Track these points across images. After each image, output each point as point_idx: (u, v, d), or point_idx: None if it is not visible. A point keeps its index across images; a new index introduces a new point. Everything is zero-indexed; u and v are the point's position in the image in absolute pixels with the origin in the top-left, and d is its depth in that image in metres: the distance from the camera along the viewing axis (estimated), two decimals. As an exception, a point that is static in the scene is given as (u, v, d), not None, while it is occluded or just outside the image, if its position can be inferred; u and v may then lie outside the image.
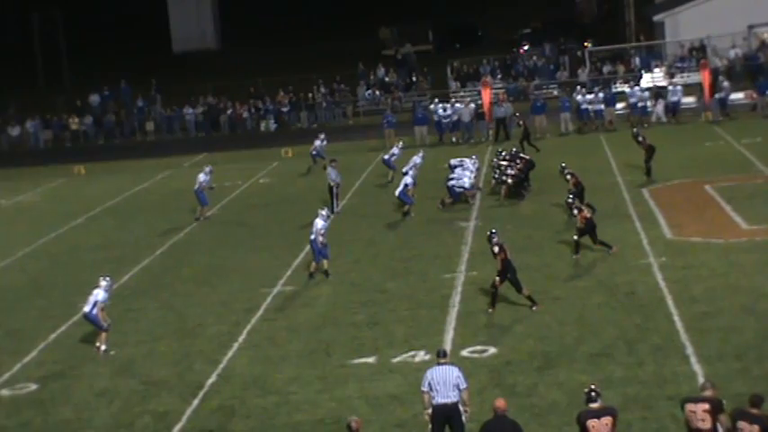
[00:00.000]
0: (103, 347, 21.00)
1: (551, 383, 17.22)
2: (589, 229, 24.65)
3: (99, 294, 21.15)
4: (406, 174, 31.84)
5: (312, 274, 24.80)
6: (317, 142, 40.59)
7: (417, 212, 30.66)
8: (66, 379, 19.85)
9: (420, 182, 32.50)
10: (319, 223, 24.78)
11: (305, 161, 40.84)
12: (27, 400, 18.96)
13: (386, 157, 36.87)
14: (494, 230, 22.08)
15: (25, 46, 75.98)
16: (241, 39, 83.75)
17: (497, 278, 21.20)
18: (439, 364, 14.86)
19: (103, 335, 21.10)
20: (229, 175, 40.55)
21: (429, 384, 14.58)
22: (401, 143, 39.21)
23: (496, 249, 21.22)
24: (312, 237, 24.78)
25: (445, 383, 14.50)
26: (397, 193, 30.79)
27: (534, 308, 21.06)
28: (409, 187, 30.80)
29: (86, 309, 21.06)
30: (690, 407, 12.92)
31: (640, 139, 33.07)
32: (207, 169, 33.30)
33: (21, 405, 18.76)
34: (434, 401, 14.51)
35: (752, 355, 17.64)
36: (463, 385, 14.60)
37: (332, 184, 32.02)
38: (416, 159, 33.68)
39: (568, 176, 28.37)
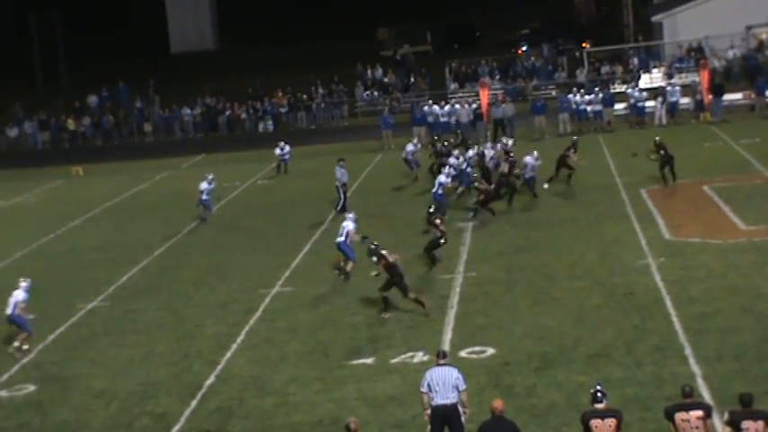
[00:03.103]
0: (17, 344, 21.25)
1: (550, 384, 17.22)
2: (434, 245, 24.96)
3: (19, 295, 21.39)
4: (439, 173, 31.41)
5: (343, 273, 24.44)
6: (278, 151, 40.77)
7: (416, 213, 30.55)
8: (64, 380, 19.82)
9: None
10: (350, 225, 24.46)
11: (303, 162, 40.84)
12: (25, 402, 18.94)
13: (404, 155, 36.80)
14: (371, 241, 22.77)
15: (23, 47, 75.93)
16: (239, 39, 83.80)
17: (383, 285, 21.67)
18: (438, 364, 14.82)
19: (24, 334, 21.34)
20: (227, 176, 40.52)
21: (428, 385, 14.53)
22: (416, 139, 39.22)
23: (375, 259, 21.75)
24: (342, 239, 24.31)
25: (444, 384, 14.46)
26: (433, 191, 30.22)
27: (425, 312, 21.19)
28: (445, 185, 30.08)
29: (8, 311, 21.33)
30: (682, 416, 12.79)
31: (662, 152, 31.83)
32: (209, 177, 32.80)
33: (19, 406, 18.74)
34: (433, 402, 14.48)
35: (750, 356, 17.64)
36: (462, 386, 14.57)
37: (337, 183, 31.92)
38: (452, 160, 32.45)
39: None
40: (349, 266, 24.58)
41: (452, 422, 14.44)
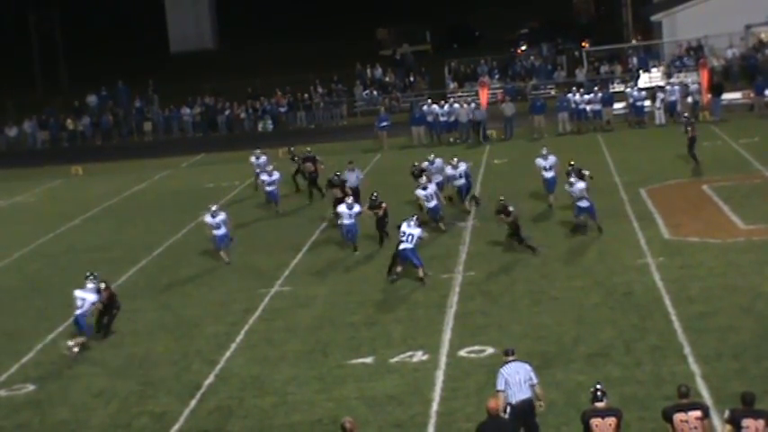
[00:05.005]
0: (71, 343, 21.16)
1: (549, 383, 17.17)
2: None
3: (91, 296, 21.35)
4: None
5: (395, 276, 23.99)
6: (253, 159, 36.71)
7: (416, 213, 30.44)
8: (63, 380, 19.84)
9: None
10: (417, 230, 23.85)
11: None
12: (24, 401, 18.95)
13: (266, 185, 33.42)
14: (92, 273, 22.49)
15: (22, 46, 75.92)
16: (239, 39, 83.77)
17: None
18: (508, 361, 14.59)
19: (83, 338, 21.27)
20: (227, 176, 40.53)
21: (506, 382, 14.31)
22: (271, 167, 34.17)
23: (102, 286, 21.94)
24: (409, 246, 23.61)
25: (521, 380, 14.34)
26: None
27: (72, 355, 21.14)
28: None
29: (79, 311, 21.24)
30: (680, 416, 12.78)
31: (688, 128, 34.23)
32: (212, 209, 27.68)
33: (18, 406, 18.75)
34: (513, 400, 14.21)
35: (749, 355, 17.65)
36: (536, 380, 14.50)
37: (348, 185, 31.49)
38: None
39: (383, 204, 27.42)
40: (421, 273, 23.71)
41: (529, 417, 14.33)
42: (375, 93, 58.18)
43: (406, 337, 20.31)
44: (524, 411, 14.28)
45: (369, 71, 60.50)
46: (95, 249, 30.82)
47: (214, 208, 27.61)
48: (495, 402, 13.44)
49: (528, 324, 20.39)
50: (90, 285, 21.59)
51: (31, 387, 19.62)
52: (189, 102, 58.36)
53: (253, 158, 36.75)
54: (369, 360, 19.23)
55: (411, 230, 23.85)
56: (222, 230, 27.15)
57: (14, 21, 79.52)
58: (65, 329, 22.85)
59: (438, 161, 31.49)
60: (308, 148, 36.69)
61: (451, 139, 45.77)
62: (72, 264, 29.31)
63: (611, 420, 12.92)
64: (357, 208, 27.29)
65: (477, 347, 19.27)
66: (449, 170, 30.74)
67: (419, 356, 19.12)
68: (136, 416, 17.73)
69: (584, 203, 26.57)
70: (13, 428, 17.82)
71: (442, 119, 46.19)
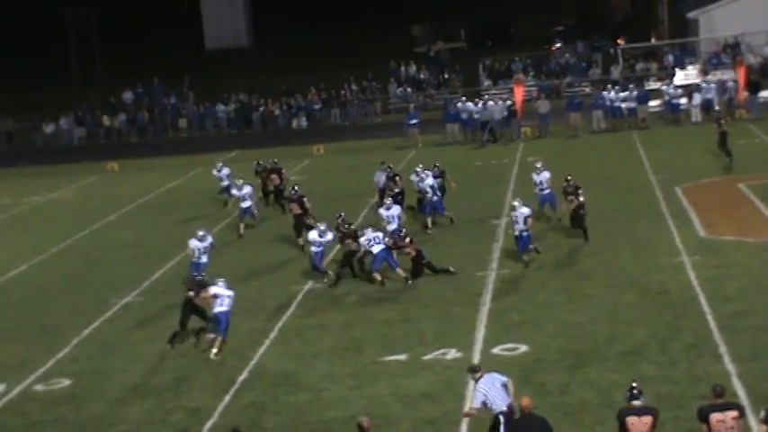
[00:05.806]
0: (215, 350, 20.35)
1: (583, 382, 17.18)
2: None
3: (225, 291, 20.63)
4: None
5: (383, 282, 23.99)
6: (215, 172, 35.67)
7: (448, 210, 30.28)
8: (99, 374, 20.00)
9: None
10: (380, 234, 23.96)
11: (336, 158, 40.87)
12: (61, 396, 19.12)
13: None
14: None
15: (59, 44, 76.49)
16: (273, 36, 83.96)
17: None
18: (478, 378, 14.47)
19: (219, 338, 20.45)
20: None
21: (485, 395, 14.21)
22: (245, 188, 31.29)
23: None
24: (380, 246, 23.73)
25: (498, 387, 14.30)
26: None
27: None
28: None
29: (219, 309, 20.46)
30: (717, 416, 12.73)
31: (721, 121, 34.98)
32: (199, 234, 25.18)
33: (55, 400, 18.93)
34: (502, 408, 14.16)
35: (785, 355, 17.54)
36: (505, 378, 14.49)
37: (379, 186, 31.38)
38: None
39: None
40: (378, 276, 23.99)
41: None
42: (409, 90, 58.18)
43: (439, 334, 20.32)
44: (511, 415, 14.16)
45: (403, 68, 60.50)
46: (130, 245, 31.02)
47: (202, 233, 25.14)
48: (528, 400, 13.44)
49: (562, 322, 20.34)
50: (221, 284, 20.84)
51: (67, 382, 19.78)
52: (223, 98, 58.58)
53: (214, 171, 35.80)
54: (402, 357, 19.25)
55: (375, 234, 23.97)
56: (204, 259, 24.88)
57: (51, 17, 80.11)
58: (100, 325, 23.04)
59: (425, 175, 29.43)
60: (275, 159, 35.87)
61: (486, 137, 45.67)
62: (107, 259, 29.55)
63: (648, 419, 12.86)
64: (329, 236, 25.04)
65: (510, 345, 19.26)
66: (418, 183, 29.45)
67: (453, 354, 19.12)
68: (171, 411, 17.85)
69: (523, 231, 24.30)
70: (50, 422, 17.99)
71: (476, 116, 46.10)
